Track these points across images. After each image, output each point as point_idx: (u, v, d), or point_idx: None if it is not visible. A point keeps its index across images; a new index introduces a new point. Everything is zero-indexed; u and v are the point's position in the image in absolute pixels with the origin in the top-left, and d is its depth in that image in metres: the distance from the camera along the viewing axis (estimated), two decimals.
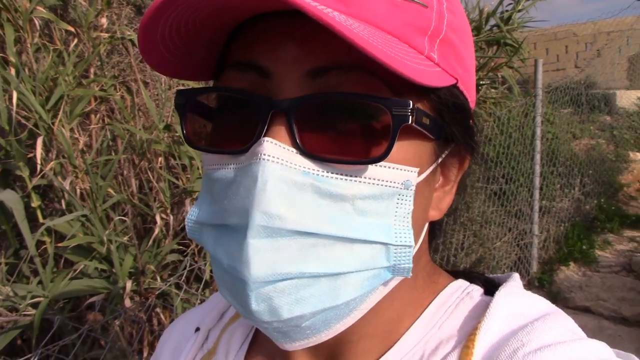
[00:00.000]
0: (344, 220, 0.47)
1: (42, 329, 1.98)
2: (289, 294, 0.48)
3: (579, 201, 6.43)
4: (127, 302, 2.05)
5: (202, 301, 2.40)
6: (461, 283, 0.62)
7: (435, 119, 0.51)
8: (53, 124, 2.18)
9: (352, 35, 0.40)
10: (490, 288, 0.60)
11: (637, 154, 8.25)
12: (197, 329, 0.73)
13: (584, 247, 5.76)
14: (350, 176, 0.47)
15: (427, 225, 0.57)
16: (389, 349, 0.57)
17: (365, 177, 0.48)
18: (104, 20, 2.66)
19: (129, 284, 2.04)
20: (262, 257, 0.46)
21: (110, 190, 2.39)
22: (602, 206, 6.71)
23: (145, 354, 2.35)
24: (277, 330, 0.51)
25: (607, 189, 7.12)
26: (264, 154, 0.46)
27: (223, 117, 0.54)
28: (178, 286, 2.27)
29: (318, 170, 0.47)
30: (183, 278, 2.03)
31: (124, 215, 2.37)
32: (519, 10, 5.74)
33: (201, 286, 2.27)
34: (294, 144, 0.47)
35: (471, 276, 0.65)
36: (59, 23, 2.48)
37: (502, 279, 0.62)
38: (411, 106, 0.47)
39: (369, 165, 0.47)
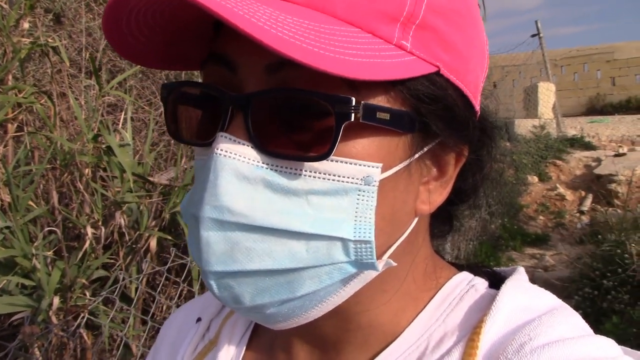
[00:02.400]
0: (297, 215, 0.47)
1: None
2: (249, 284, 0.49)
3: (485, 221, 6.79)
4: (54, 320, 1.92)
5: (130, 319, 2.29)
6: (465, 275, 0.61)
7: (400, 113, 0.49)
8: None
9: (259, 34, 0.40)
10: (495, 281, 0.59)
11: (535, 177, 8.89)
12: (199, 319, 0.72)
13: (492, 264, 6.07)
14: (303, 171, 0.47)
15: (415, 219, 0.55)
16: (392, 341, 0.56)
17: (319, 173, 0.47)
18: (26, 25, 2.53)
19: (56, 300, 1.91)
20: (213, 250, 0.47)
21: (30, 203, 2.25)
22: (505, 226, 7.13)
23: None
24: (249, 314, 0.53)
25: (510, 209, 7.57)
26: (218, 149, 0.46)
27: (198, 109, 0.55)
28: (105, 303, 2.16)
29: (270, 165, 0.47)
30: (116, 293, 1.94)
31: (45, 229, 2.23)
32: None
33: (132, 305, 2.17)
34: (249, 139, 0.47)
35: (475, 269, 0.64)
36: None
37: (508, 273, 0.61)
38: (353, 103, 0.46)
39: (324, 160, 0.47)
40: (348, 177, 0.48)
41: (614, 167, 8.24)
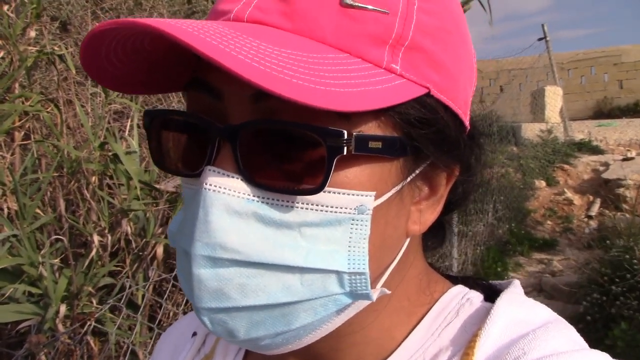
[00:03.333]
0: (290, 249, 0.46)
1: None
2: (243, 319, 0.48)
3: (493, 226, 6.77)
4: (61, 328, 1.92)
5: (137, 326, 2.29)
6: (460, 289, 0.61)
7: (392, 139, 0.48)
8: None
9: (238, 67, 0.39)
10: (490, 294, 0.59)
11: (542, 182, 8.84)
12: (194, 334, 0.72)
13: (499, 269, 6.05)
14: (296, 203, 0.46)
15: (407, 240, 0.55)
16: (387, 357, 0.56)
17: (312, 204, 0.46)
18: (32, 33, 2.54)
19: (62, 308, 1.92)
20: (206, 287, 0.46)
21: (38, 210, 2.26)
22: (512, 230, 7.10)
23: None
24: (243, 345, 0.52)
25: (517, 214, 7.54)
26: (207, 184, 0.45)
27: (181, 138, 0.54)
28: (112, 310, 2.16)
29: (262, 198, 0.46)
30: (123, 301, 1.94)
31: (52, 237, 2.24)
32: None
33: (139, 312, 2.17)
34: (239, 171, 0.46)
35: (470, 282, 0.64)
36: None
37: (503, 286, 0.61)
38: (345, 136, 0.45)
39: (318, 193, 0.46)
40: (341, 208, 0.47)
41: (622, 172, 8.19)
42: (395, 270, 0.54)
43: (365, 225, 0.48)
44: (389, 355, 0.56)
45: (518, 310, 0.55)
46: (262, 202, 0.46)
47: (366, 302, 0.51)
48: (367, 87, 0.45)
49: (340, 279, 0.48)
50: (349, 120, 0.46)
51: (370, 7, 0.47)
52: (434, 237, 0.65)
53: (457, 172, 0.56)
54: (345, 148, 0.45)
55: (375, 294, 0.50)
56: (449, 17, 0.52)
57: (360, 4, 0.47)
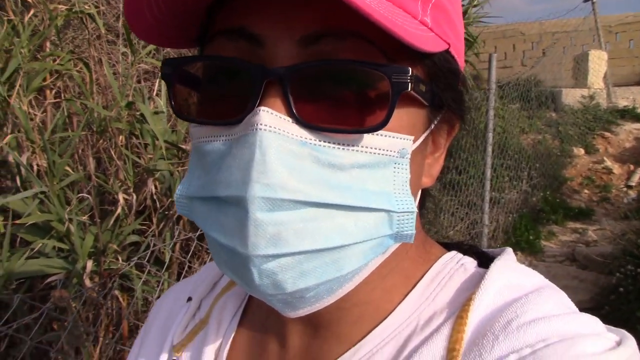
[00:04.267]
0: (345, 189, 0.46)
1: None
2: (293, 268, 0.47)
3: (527, 193, 6.66)
4: (88, 283, 1.99)
5: (162, 283, 2.35)
6: (454, 254, 0.62)
7: (430, 85, 0.51)
8: (9, 97, 2.07)
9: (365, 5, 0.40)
10: (484, 260, 0.60)
11: (581, 149, 8.61)
12: (189, 299, 0.72)
13: (531, 237, 5.97)
14: (348, 145, 0.47)
15: (419, 192, 0.57)
16: (383, 319, 0.56)
17: (363, 146, 0.47)
18: None
19: (89, 264, 1.98)
20: (264, 232, 0.45)
21: (67, 168, 2.31)
22: (547, 199, 6.97)
23: (100, 339, 2.29)
24: (281, 302, 0.50)
25: (553, 182, 7.40)
26: (261, 124, 0.44)
27: (213, 87, 0.52)
28: (138, 267, 2.22)
29: (316, 140, 0.46)
30: (147, 258, 1.98)
31: (79, 195, 2.29)
32: (475, 6, 5.86)
33: (164, 269, 2.22)
34: (290, 114, 0.46)
35: (464, 248, 0.64)
36: None
37: (496, 253, 0.61)
38: (410, 73, 0.46)
39: (366, 134, 0.47)
40: (387, 150, 0.48)
41: None
42: None
43: (406, 169, 0.50)
44: (385, 317, 0.56)
45: (511, 276, 0.56)
46: (316, 144, 0.46)
47: (395, 247, 0.53)
48: (421, 32, 0.47)
49: (390, 219, 0.49)
50: (396, 63, 0.47)
51: None
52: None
53: (458, 127, 0.59)
54: (410, 85, 0.46)
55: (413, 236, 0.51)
56: None
57: None
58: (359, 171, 0.47)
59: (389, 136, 0.48)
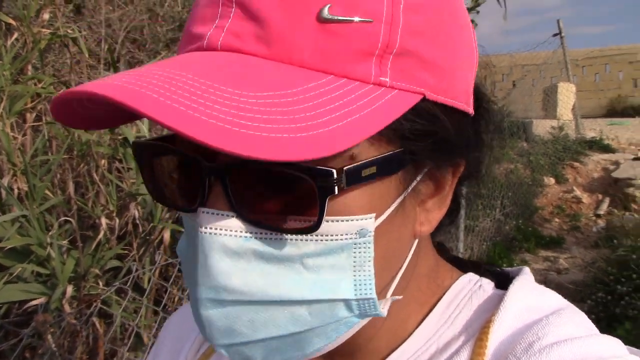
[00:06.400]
0: (295, 283, 0.45)
1: None
2: (259, 348, 0.48)
3: (500, 222, 6.75)
4: (67, 308, 1.95)
5: (142, 309, 2.32)
6: (471, 276, 0.61)
7: (387, 159, 0.46)
8: None
9: (184, 128, 0.36)
10: (502, 280, 0.59)
11: (551, 179, 8.80)
12: None
13: (504, 265, 6.03)
14: (295, 236, 0.44)
15: (415, 242, 0.54)
16: (401, 343, 0.56)
17: (312, 235, 0.44)
18: (46, 16, 2.56)
19: (69, 289, 1.94)
20: (216, 327, 0.46)
21: (47, 192, 2.29)
22: (520, 227, 7.07)
23: None
24: None
25: (525, 211, 7.51)
26: (202, 227, 0.44)
27: (173, 172, 0.52)
28: (117, 293, 2.18)
29: (260, 234, 0.44)
30: (129, 284, 1.96)
31: (61, 219, 2.26)
32: None
33: (145, 295, 2.19)
34: (232, 209, 0.44)
35: (481, 269, 0.63)
36: None
37: (514, 273, 0.61)
38: (335, 175, 0.42)
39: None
40: (342, 235, 0.45)
41: (632, 171, 8.13)
42: (405, 271, 0.54)
43: (369, 248, 0.46)
44: (402, 343, 0.56)
45: (530, 297, 0.56)
46: (260, 238, 0.44)
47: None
48: (353, 115, 0.42)
49: (349, 306, 0.48)
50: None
51: (350, 18, 0.43)
52: (447, 214, 0.61)
53: (463, 166, 0.54)
54: (337, 187, 0.42)
55: (386, 307, 0.50)
56: (440, 6, 0.48)
57: (339, 17, 0.43)
58: (311, 260, 0.45)
59: (342, 220, 0.45)
